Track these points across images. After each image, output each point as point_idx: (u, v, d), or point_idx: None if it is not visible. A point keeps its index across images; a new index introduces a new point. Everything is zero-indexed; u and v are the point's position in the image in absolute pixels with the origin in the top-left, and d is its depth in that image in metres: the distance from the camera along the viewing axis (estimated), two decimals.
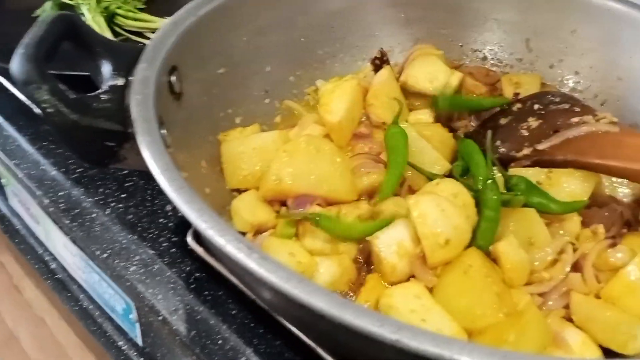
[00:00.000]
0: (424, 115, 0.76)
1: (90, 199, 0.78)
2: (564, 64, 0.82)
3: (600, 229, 0.61)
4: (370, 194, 0.66)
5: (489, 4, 0.84)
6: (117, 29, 1.00)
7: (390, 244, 0.58)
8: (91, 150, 0.50)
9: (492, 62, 0.86)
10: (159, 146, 0.46)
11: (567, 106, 0.69)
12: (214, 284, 0.69)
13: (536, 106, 0.71)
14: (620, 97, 0.77)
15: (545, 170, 0.64)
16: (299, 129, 0.74)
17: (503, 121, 0.73)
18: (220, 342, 0.65)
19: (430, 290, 0.56)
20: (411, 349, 0.34)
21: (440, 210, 0.57)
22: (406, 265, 0.58)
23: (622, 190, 0.67)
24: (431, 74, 0.77)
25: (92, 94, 0.51)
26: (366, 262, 0.62)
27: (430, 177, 0.65)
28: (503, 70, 0.85)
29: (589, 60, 0.80)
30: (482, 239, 0.58)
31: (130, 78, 0.53)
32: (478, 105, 0.76)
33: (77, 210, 0.77)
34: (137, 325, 0.76)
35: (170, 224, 0.76)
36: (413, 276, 0.58)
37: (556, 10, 0.81)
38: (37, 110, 0.84)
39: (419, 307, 0.52)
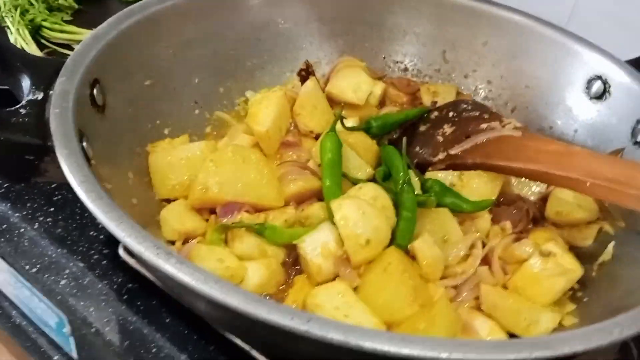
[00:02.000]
0: (349, 124, 0.80)
1: (17, 214, 0.77)
2: (478, 74, 0.88)
3: (508, 225, 0.66)
4: (297, 200, 0.69)
5: (408, 19, 0.89)
6: (44, 42, 0.99)
7: (315, 247, 0.61)
8: (10, 164, 0.50)
9: (412, 72, 0.91)
10: (77, 158, 0.47)
11: (477, 113, 0.74)
12: (146, 294, 0.70)
13: (451, 114, 0.77)
14: (528, 104, 0.84)
15: (457, 173, 0.68)
16: (228, 139, 0.76)
17: (422, 128, 0.78)
18: (154, 350, 0.65)
19: (355, 289, 0.59)
20: (319, 338, 0.36)
21: (361, 213, 0.60)
22: (331, 266, 0.61)
23: (529, 189, 0.73)
24: (355, 84, 0.81)
25: (10, 108, 0.51)
26: (294, 264, 0.65)
27: (354, 182, 0.69)
28: (423, 80, 0.90)
29: (500, 70, 0.86)
30: (400, 238, 0.62)
31: (50, 92, 0.53)
32: (405, 118, 0.80)
33: (4, 226, 0.76)
34: (71, 339, 0.75)
35: (101, 237, 0.76)
36: (338, 276, 0.61)
37: (469, 24, 0.87)
38: None
39: (342, 304, 0.55)
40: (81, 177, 0.45)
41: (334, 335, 0.36)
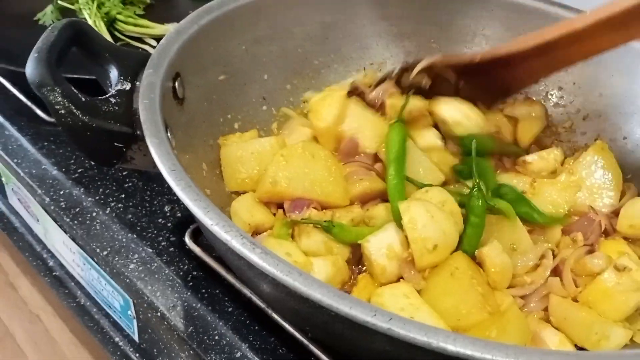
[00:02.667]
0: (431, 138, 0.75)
1: (90, 199, 0.81)
2: (549, 80, 0.86)
3: (579, 236, 0.65)
4: (362, 200, 0.69)
5: (478, 20, 0.88)
6: (117, 34, 1.03)
7: (380, 247, 0.61)
8: (100, 150, 0.53)
9: None
10: (166, 147, 0.49)
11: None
12: (210, 283, 0.72)
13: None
14: (601, 113, 0.81)
15: (530, 180, 0.67)
16: (287, 132, 0.77)
17: None
18: (216, 337, 0.67)
19: (419, 291, 0.59)
20: (401, 337, 0.37)
21: (430, 217, 0.60)
22: (395, 267, 0.61)
23: (601, 200, 0.71)
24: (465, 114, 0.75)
25: (102, 97, 0.53)
26: (358, 263, 0.65)
27: (419, 186, 0.68)
28: None
29: (573, 76, 0.84)
30: (467, 244, 0.61)
31: (136, 83, 0.55)
32: (500, 151, 0.76)
33: (77, 209, 0.80)
34: (135, 321, 0.78)
35: (169, 224, 0.79)
36: (402, 278, 0.61)
37: (542, 27, 0.85)
38: (40, 113, 0.87)
39: (407, 306, 0.55)
40: (171, 165, 0.46)
41: (417, 336, 0.37)
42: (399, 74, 0.76)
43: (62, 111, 0.49)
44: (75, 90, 0.52)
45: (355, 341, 0.45)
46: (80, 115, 0.50)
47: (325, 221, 0.63)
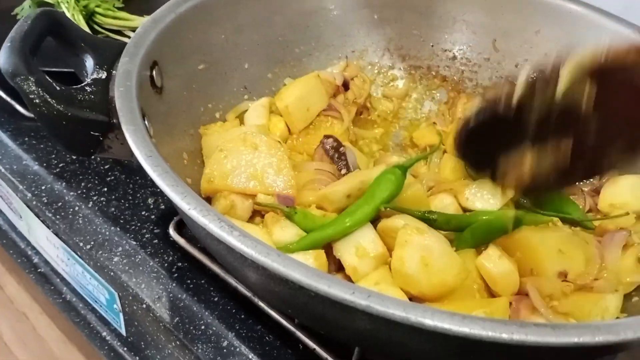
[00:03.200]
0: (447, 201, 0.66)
1: (72, 193, 0.80)
2: (529, 63, 0.86)
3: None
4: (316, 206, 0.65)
5: (459, 6, 0.88)
6: (97, 27, 1.02)
7: (348, 248, 0.58)
8: (77, 140, 0.52)
9: (461, 61, 0.90)
10: (142, 134, 0.48)
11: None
12: (196, 273, 0.72)
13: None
14: None
15: None
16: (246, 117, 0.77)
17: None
18: (203, 327, 0.67)
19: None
20: (380, 313, 0.37)
21: (423, 265, 0.53)
22: (368, 267, 0.57)
23: None
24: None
25: (77, 86, 0.53)
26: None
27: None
28: (472, 69, 0.89)
29: (552, 59, 0.84)
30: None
31: (112, 72, 0.55)
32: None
33: (59, 204, 0.79)
34: (121, 314, 0.77)
35: (153, 217, 0.78)
36: None
37: (521, 12, 0.86)
38: (19, 108, 0.86)
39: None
40: (147, 152, 0.46)
41: (395, 311, 0.37)
42: (533, 82, 0.43)
43: (37, 100, 0.49)
44: (49, 80, 0.51)
45: (337, 321, 0.45)
46: (55, 104, 0.50)
47: (287, 207, 0.60)
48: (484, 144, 0.37)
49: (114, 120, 0.50)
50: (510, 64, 0.87)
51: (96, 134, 0.52)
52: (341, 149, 0.71)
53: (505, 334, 0.36)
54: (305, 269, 0.39)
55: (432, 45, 0.91)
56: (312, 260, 0.57)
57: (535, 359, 0.42)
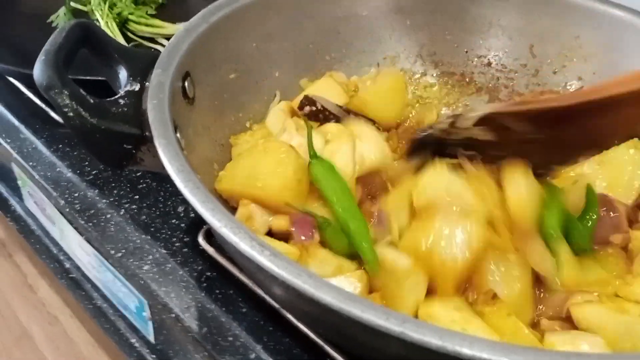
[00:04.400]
0: None
1: (104, 200, 0.81)
2: (568, 70, 0.83)
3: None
4: None
5: (494, 10, 0.86)
6: (130, 35, 1.03)
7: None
8: (109, 152, 0.52)
9: (496, 67, 0.88)
10: (174, 148, 0.48)
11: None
12: (224, 283, 0.71)
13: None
14: None
15: None
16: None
17: None
18: (231, 339, 0.67)
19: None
20: (414, 340, 0.35)
21: None
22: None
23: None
24: None
25: (111, 98, 0.53)
26: None
27: None
28: (507, 75, 0.87)
29: (592, 65, 0.81)
30: None
31: (146, 83, 0.55)
32: None
33: (92, 211, 0.80)
34: (150, 322, 0.78)
35: (182, 225, 0.78)
36: None
37: (560, 16, 0.83)
38: (54, 115, 0.88)
39: (459, 319, 0.50)
40: (178, 166, 0.46)
41: (431, 339, 0.35)
42: (448, 127, 0.57)
43: (70, 113, 0.49)
44: (83, 92, 0.51)
45: (369, 344, 0.43)
46: (89, 117, 0.50)
47: (322, 217, 0.56)
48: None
49: (147, 134, 0.50)
50: (548, 71, 0.85)
51: (129, 146, 0.52)
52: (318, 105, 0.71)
53: None
54: (337, 292, 0.38)
55: (467, 51, 0.89)
56: (357, 282, 0.54)
57: None
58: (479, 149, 0.56)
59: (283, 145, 0.61)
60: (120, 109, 0.51)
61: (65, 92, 0.49)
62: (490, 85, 0.87)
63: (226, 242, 0.45)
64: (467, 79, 0.88)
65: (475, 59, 0.88)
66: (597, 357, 0.35)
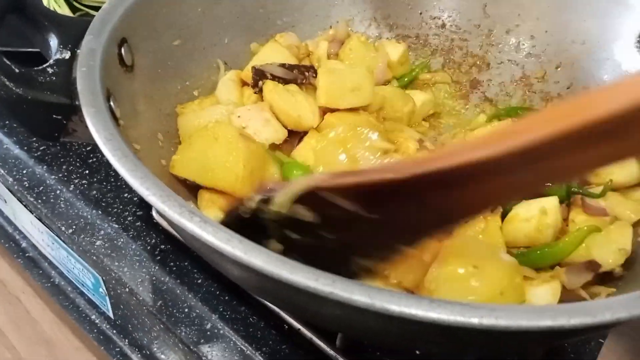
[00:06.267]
0: None
1: (53, 176, 0.78)
2: (521, 29, 0.83)
3: None
4: None
5: None
6: (77, 4, 0.98)
7: None
8: (39, 123, 0.51)
9: (450, 29, 0.87)
10: (104, 117, 0.46)
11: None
12: (179, 256, 0.71)
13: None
14: (574, 60, 0.78)
15: None
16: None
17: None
18: (186, 310, 0.66)
19: None
20: (345, 300, 0.35)
21: None
22: None
23: None
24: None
25: (38, 67, 0.51)
26: None
27: None
28: (462, 37, 0.86)
29: (545, 24, 0.81)
30: None
31: (77, 51, 0.53)
32: None
33: (41, 188, 0.78)
34: (107, 298, 0.77)
35: (135, 199, 0.77)
36: None
37: None
38: None
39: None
40: (107, 135, 0.44)
41: (360, 298, 0.35)
42: (259, 206, 0.44)
43: None
44: (7, 62, 0.49)
45: (308, 307, 0.43)
46: (14, 87, 0.48)
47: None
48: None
49: (77, 103, 0.48)
50: (501, 30, 0.84)
51: (59, 117, 0.50)
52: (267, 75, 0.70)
53: (474, 319, 0.35)
54: (266, 255, 0.37)
55: (421, 13, 0.88)
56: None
57: (513, 342, 0.41)
58: (307, 231, 0.44)
59: (231, 132, 0.59)
60: (48, 78, 0.49)
61: None
62: (445, 46, 0.86)
63: (162, 213, 0.44)
64: (421, 41, 0.87)
65: (430, 21, 0.87)
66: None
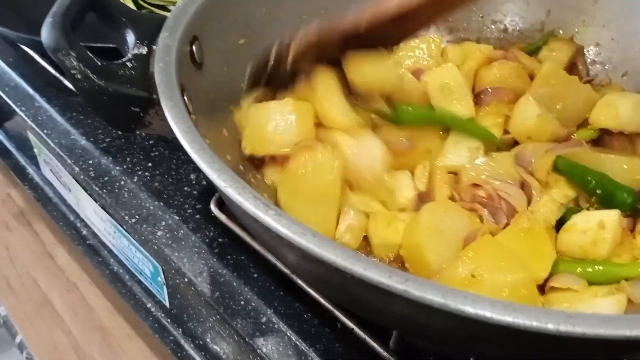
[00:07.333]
0: None
1: (118, 167, 0.82)
2: (585, 36, 0.81)
3: None
4: None
5: None
6: (141, 2, 1.02)
7: None
8: (118, 115, 0.53)
9: (512, 34, 0.85)
10: (181, 110, 0.48)
11: None
12: (236, 250, 0.72)
13: None
14: None
15: None
16: None
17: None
18: (242, 303, 0.68)
19: None
20: (417, 299, 0.35)
21: None
22: None
23: None
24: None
25: (118, 61, 0.53)
26: None
27: None
28: (523, 41, 0.85)
29: (610, 31, 0.79)
30: None
31: (153, 47, 0.55)
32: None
33: (106, 178, 0.81)
34: (165, 287, 0.79)
35: (195, 192, 0.79)
36: None
37: None
38: (68, 83, 0.88)
39: None
40: (185, 128, 0.46)
41: (434, 297, 0.35)
42: (271, 72, 0.68)
43: (78, 75, 0.49)
44: (90, 55, 0.51)
45: (373, 305, 0.44)
46: (96, 80, 0.50)
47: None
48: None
49: (154, 96, 0.50)
50: (564, 36, 0.82)
51: (136, 109, 0.52)
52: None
53: (551, 325, 0.34)
54: (340, 250, 0.38)
55: (482, 17, 0.87)
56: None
57: (583, 351, 0.40)
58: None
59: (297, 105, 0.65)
60: (127, 72, 0.52)
61: (73, 54, 0.50)
62: None
63: (232, 204, 0.45)
64: None
65: (491, 25, 0.86)
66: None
